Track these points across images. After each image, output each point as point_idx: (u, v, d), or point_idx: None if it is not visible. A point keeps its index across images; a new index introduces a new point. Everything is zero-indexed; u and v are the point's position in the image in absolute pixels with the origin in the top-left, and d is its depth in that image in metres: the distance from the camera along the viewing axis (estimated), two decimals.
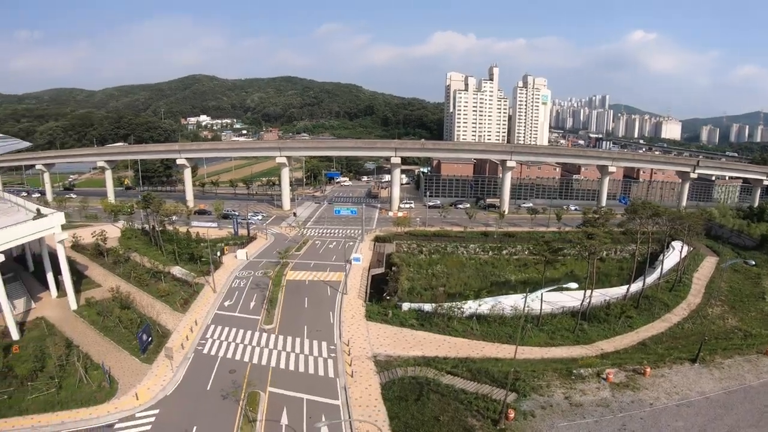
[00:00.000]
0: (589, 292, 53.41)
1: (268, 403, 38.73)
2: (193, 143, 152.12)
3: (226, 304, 60.24)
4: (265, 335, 51.17)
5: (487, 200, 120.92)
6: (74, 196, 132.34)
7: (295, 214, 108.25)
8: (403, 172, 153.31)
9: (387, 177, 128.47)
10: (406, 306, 55.92)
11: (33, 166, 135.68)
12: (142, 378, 43.34)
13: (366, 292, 64.05)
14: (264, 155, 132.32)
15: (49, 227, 55.56)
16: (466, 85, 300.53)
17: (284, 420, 36.32)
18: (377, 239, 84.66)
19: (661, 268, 68.52)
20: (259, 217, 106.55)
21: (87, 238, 79.65)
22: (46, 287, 61.73)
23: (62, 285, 61.25)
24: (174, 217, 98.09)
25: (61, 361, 44.05)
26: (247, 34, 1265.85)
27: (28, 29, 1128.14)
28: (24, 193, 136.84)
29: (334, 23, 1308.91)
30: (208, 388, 41.26)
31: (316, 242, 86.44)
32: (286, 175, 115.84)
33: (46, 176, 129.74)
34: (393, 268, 73.44)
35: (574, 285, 49.40)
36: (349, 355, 45.89)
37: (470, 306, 53.20)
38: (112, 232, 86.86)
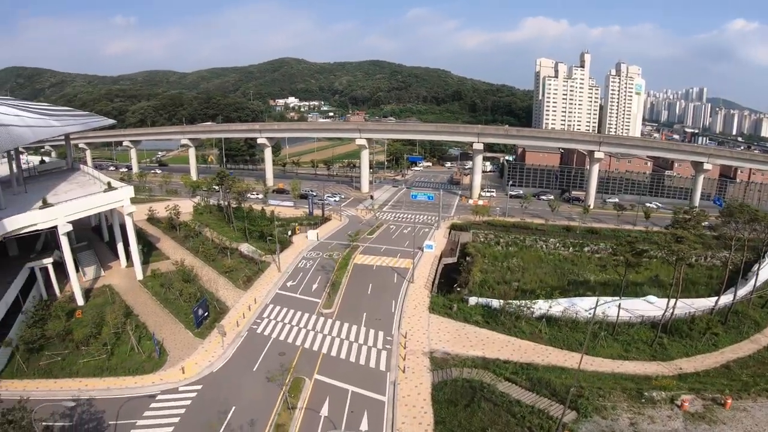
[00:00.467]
0: (672, 301, 48.35)
1: (311, 391, 37.45)
2: (273, 123, 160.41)
3: (289, 284, 60.30)
4: (322, 319, 50.24)
5: (573, 193, 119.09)
6: (159, 171, 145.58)
7: (372, 197, 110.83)
8: (487, 159, 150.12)
9: (470, 164, 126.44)
10: (473, 300, 54.32)
11: (121, 142, 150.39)
12: (192, 352, 44.26)
13: (433, 282, 62.36)
14: (343, 136, 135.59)
15: (118, 200, 59.87)
16: (556, 71, 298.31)
17: (324, 411, 34.64)
18: (453, 227, 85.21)
19: (755, 280, 59.45)
20: (336, 199, 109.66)
21: (163, 212, 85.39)
22: (118, 257, 66.35)
23: (132, 255, 65.98)
24: (254, 195, 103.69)
25: (116, 328, 46.45)
26: (337, 18, 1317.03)
27: (124, 15, 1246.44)
28: (112, 168, 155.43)
29: (424, 8, 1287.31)
30: (254, 369, 40.94)
31: (390, 227, 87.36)
32: (365, 157, 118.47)
33: (133, 152, 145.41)
34: (467, 258, 71.91)
35: (653, 299, 48.75)
36: (404, 348, 43.68)
37: (541, 306, 50.81)
38: (189, 207, 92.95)
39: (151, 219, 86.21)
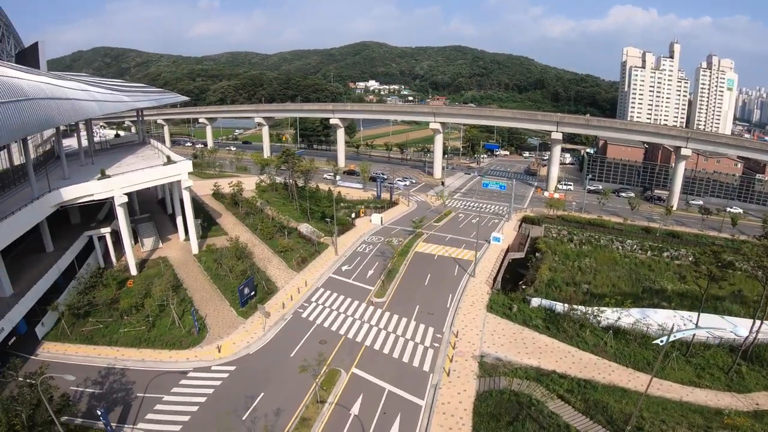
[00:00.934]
0: (758, 323, 42.88)
1: (346, 385, 36.16)
2: (346, 104, 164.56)
3: (344, 268, 59.69)
4: (371, 309, 49.00)
5: (655, 191, 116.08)
6: (233, 148, 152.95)
7: (443, 183, 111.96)
8: (567, 151, 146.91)
9: (548, 154, 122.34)
10: (535, 302, 51.57)
11: (197, 120, 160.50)
12: (232, 332, 44.94)
13: (496, 278, 59.47)
14: (417, 119, 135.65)
15: (175, 174, 62.56)
16: (644, 62, 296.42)
17: (355, 409, 33.10)
18: (525, 220, 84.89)
19: None
20: (407, 183, 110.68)
21: (229, 188, 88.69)
22: (178, 230, 69.83)
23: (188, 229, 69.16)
24: (329, 176, 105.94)
25: (162, 301, 48.20)
26: (419, 3, 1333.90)
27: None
28: (189, 144, 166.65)
29: None
30: (291, 355, 40.54)
31: (459, 215, 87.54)
32: (439, 142, 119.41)
33: (209, 129, 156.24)
34: (536, 254, 70.08)
35: (735, 319, 46.50)
36: (453, 349, 41.38)
37: (609, 316, 47.43)
38: (255, 184, 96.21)
39: (216, 194, 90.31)
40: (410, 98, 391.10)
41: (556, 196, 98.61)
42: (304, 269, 59.63)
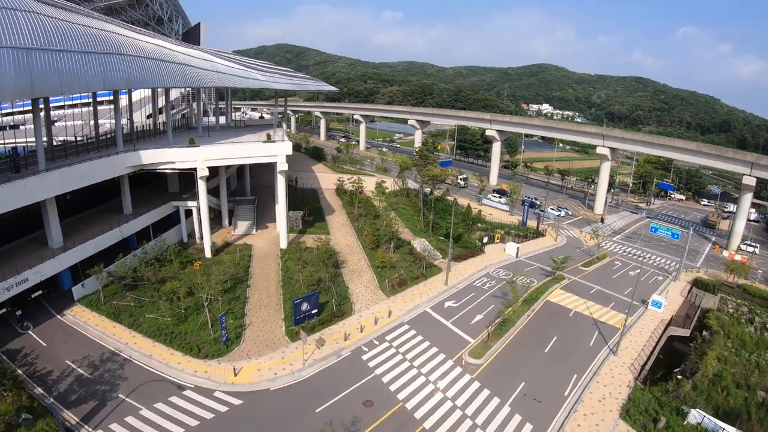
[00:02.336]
0: None
1: None
2: (505, 115, 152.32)
3: (447, 305, 47.55)
4: (457, 372, 35.93)
5: None
6: (386, 149, 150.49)
7: (603, 220, 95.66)
8: (754, 206, 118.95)
9: (733, 206, 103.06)
10: (694, 417, 33.53)
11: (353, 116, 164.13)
12: (267, 353, 36.50)
13: (645, 364, 41.13)
14: (583, 140, 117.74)
15: (269, 154, 56.70)
16: None
17: None
18: (697, 284, 66.09)
19: None
20: (561, 213, 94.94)
21: (363, 185, 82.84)
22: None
23: (292, 220, 63.40)
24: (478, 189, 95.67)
25: (209, 295, 41.48)
26: (600, 31, 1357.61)
27: (392, 11, 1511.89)
28: (343, 138, 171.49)
29: (694, 27, 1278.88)
30: (318, 410, 30.14)
31: (615, 261, 71.22)
32: (606, 171, 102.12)
33: (362, 127, 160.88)
34: (703, 333, 51.93)
35: None
36: None
37: None
38: (389, 185, 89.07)
39: (339, 190, 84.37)
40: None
41: (738, 257, 77.07)
42: (397, 294, 48.93)
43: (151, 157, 50.65)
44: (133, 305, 41.41)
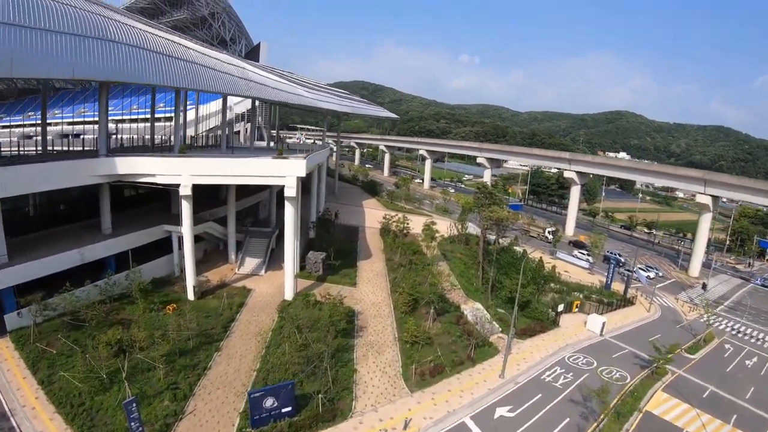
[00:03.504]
0: None
1: None
2: (587, 155, 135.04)
3: (498, 413, 31.24)
4: None
5: None
6: (452, 190, 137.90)
7: (705, 285, 76.06)
8: None
9: None
10: None
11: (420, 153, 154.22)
12: None
13: None
14: (679, 185, 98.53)
15: (274, 174, 43.37)
16: None
17: None
18: None
19: None
20: (651, 275, 76.60)
21: (413, 227, 67.05)
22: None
23: (311, 263, 49.94)
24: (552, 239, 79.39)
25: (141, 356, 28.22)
26: (678, 79, 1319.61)
27: (469, 54, 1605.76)
28: (408, 174, 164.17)
29: None
30: None
31: (725, 345, 52.83)
32: (706, 224, 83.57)
33: (427, 163, 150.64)
34: None
35: None
36: None
37: None
38: (445, 228, 74.34)
39: (384, 230, 69.78)
40: None
41: None
42: (427, 389, 33.00)
43: (128, 166, 39.04)
44: (56, 353, 29.87)
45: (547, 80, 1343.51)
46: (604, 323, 48.30)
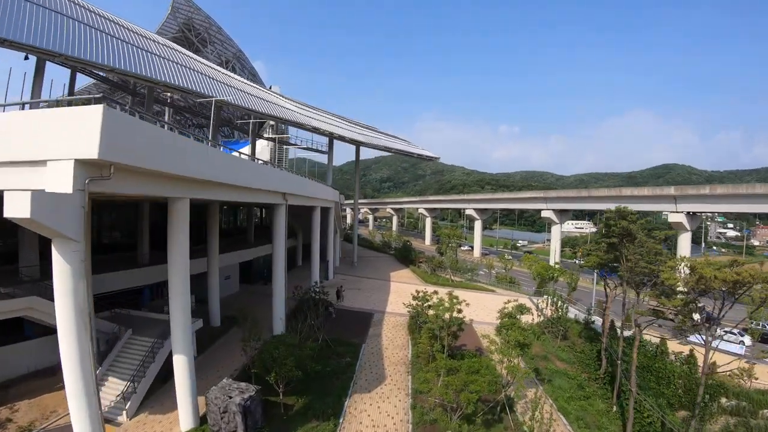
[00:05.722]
0: None
1: None
2: (560, 191, 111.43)
3: None
4: None
5: None
6: (509, 257, 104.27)
7: None
8: None
9: None
10: None
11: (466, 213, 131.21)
12: None
13: None
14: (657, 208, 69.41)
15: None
16: None
17: None
18: None
19: None
20: None
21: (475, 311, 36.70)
22: None
23: (215, 408, 20.32)
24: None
25: None
26: (718, 128, 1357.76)
27: (508, 125, 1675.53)
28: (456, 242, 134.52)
29: None
30: None
31: None
32: None
33: (477, 225, 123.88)
34: None
35: None
36: None
37: None
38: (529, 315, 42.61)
39: (414, 321, 38.66)
40: (729, 225, 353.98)
41: None
42: None
43: None
44: None
45: (588, 142, 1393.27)
46: None
